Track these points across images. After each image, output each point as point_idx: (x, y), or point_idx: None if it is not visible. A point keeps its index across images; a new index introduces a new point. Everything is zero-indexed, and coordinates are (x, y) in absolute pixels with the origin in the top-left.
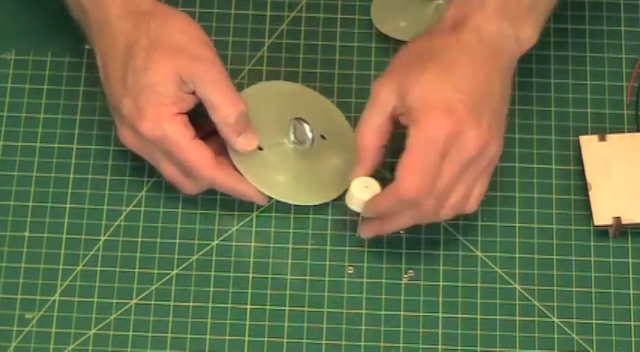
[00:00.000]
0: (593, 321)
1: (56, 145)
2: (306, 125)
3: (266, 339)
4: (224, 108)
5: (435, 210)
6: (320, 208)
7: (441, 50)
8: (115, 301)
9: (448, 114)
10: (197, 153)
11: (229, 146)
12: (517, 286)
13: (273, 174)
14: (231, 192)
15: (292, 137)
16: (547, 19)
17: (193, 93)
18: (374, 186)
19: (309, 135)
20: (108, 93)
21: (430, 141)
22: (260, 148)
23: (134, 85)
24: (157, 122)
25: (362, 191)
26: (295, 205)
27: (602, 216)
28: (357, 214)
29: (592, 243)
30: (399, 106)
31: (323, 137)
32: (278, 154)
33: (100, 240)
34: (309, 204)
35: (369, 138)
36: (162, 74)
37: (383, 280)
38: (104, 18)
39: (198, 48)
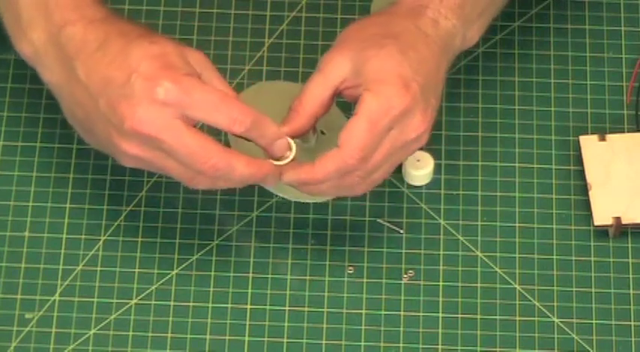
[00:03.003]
0: (593, 321)
1: (56, 145)
2: None
3: (266, 339)
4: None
5: (357, 184)
6: (320, 208)
7: (400, 31)
8: (115, 301)
9: (406, 89)
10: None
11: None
12: (517, 286)
13: None
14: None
15: None
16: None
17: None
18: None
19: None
20: (84, 112)
21: (385, 110)
22: None
23: (115, 76)
24: (148, 102)
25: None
26: (301, 203)
27: (602, 216)
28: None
29: (592, 243)
30: (350, 79)
31: (322, 132)
32: None
33: (100, 240)
34: (317, 201)
35: (309, 106)
36: (143, 55)
37: (383, 280)
38: (58, 25)
39: (180, 44)
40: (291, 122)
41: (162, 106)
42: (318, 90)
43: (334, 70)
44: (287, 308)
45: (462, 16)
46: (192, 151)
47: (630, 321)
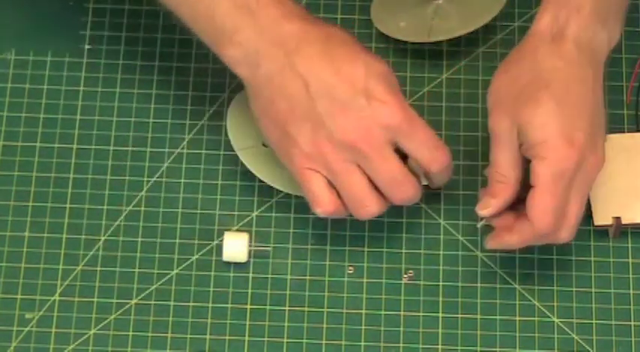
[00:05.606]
0: (593, 321)
1: (56, 145)
2: None
3: (266, 339)
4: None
5: (569, 237)
6: None
7: (550, 75)
8: (115, 301)
9: (570, 146)
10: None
11: None
12: (517, 286)
13: (281, 169)
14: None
15: None
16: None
17: None
18: None
19: None
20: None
21: (558, 175)
22: (264, 145)
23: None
24: (372, 122)
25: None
26: (301, 202)
27: (602, 216)
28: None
29: (592, 243)
30: (519, 138)
31: None
32: None
33: (100, 240)
34: None
35: (511, 173)
36: (371, 73)
37: (383, 280)
38: (271, 21)
39: None
40: (501, 193)
41: (383, 129)
42: (509, 156)
43: (508, 133)
44: (287, 308)
45: (600, 19)
46: (393, 175)
47: (630, 321)
